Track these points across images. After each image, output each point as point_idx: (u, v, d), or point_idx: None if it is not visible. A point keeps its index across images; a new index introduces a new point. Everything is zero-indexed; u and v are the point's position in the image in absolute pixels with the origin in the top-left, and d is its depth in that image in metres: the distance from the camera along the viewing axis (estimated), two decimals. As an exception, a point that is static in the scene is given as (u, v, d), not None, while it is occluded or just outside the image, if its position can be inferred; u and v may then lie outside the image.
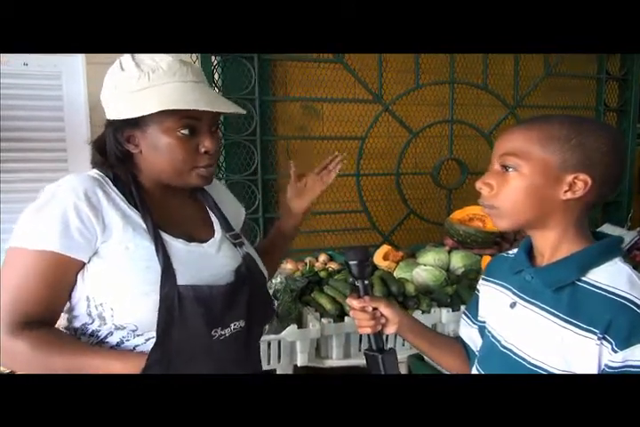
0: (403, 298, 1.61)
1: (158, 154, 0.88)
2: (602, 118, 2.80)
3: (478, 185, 0.81)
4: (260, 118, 2.18)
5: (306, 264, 2.08)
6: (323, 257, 2.23)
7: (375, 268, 1.97)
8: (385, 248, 2.06)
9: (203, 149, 0.88)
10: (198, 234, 0.96)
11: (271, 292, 1.54)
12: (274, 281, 1.63)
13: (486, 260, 1.96)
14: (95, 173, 0.90)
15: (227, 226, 1.02)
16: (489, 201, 0.80)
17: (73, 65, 2.43)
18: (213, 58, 2.11)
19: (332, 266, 2.06)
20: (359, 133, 2.38)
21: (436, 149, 2.55)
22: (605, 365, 0.69)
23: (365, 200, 2.42)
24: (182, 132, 0.86)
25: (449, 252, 2.10)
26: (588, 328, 0.70)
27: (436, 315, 1.61)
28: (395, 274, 1.87)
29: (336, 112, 2.38)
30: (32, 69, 2.41)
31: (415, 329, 0.97)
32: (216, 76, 2.12)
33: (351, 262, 0.91)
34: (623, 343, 0.67)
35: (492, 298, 0.89)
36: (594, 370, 0.70)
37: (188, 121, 0.87)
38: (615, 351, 0.67)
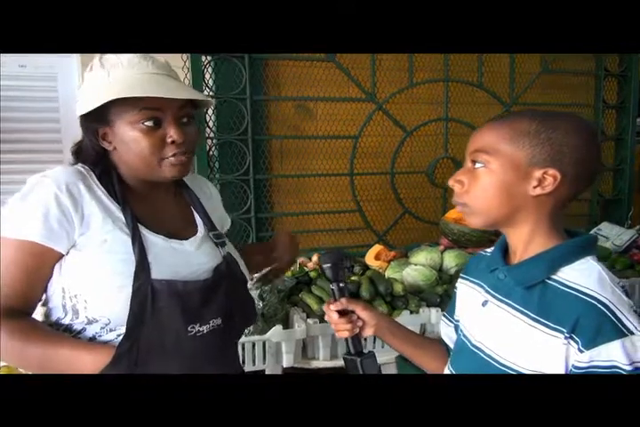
0: (391, 298, 1.59)
1: (127, 148, 0.88)
2: (601, 116, 2.76)
3: (450, 182, 0.80)
4: (252, 118, 2.17)
5: (297, 264, 2.07)
6: (316, 257, 2.21)
7: (366, 268, 1.95)
8: (377, 248, 2.04)
9: (169, 140, 0.88)
10: (179, 231, 0.96)
11: (257, 292, 1.53)
12: (261, 281, 1.62)
13: (479, 259, 1.93)
14: (81, 166, 0.91)
15: (210, 225, 1.02)
16: (461, 198, 0.79)
17: (68, 67, 2.44)
18: (204, 57, 2.10)
19: (324, 266, 2.04)
20: (353, 132, 2.37)
21: (431, 148, 2.53)
22: (572, 365, 0.67)
23: (359, 200, 2.41)
24: (146, 124, 0.86)
25: (442, 251, 2.08)
26: (556, 327, 0.69)
27: (425, 315, 1.59)
28: (386, 274, 1.85)
29: (329, 111, 2.37)
30: (28, 71, 2.43)
31: (394, 331, 0.95)
32: (207, 76, 2.12)
33: (325, 266, 0.90)
34: (589, 343, 0.65)
35: (466, 296, 0.88)
36: (562, 370, 0.68)
37: (148, 112, 0.86)
38: (581, 351, 0.66)
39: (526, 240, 0.77)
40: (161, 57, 0.94)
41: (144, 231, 0.90)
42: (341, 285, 0.91)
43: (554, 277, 0.73)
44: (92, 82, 0.89)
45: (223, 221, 1.16)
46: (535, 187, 0.73)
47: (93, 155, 0.92)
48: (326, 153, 2.37)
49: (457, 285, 0.94)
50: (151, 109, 0.86)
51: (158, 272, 0.87)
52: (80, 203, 0.85)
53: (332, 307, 0.90)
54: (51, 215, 0.82)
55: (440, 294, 1.66)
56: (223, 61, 2.14)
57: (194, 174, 1.13)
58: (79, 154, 0.94)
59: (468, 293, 0.88)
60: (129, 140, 0.87)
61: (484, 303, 0.81)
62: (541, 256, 0.75)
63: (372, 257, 2.01)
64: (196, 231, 1.00)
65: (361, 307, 0.91)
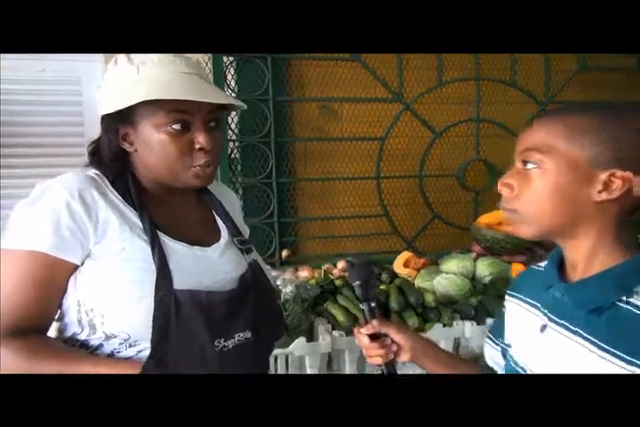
0: (422, 309, 1.49)
1: (151, 152, 0.83)
2: (642, 115, 2.60)
3: (499, 186, 0.70)
4: (275, 119, 2.12)
5: (322, 272, 1.98)
6: (341, 264, 2.13)
7: (395, 276, 1.85)
8: (405, 255, 1.95)
9: (197, 146, 0.83)
10: (202, 238, 0.92)
11: (280, 302, 1.45)
12: (284, 290, 1.54)
13: (516, 268, 1.82)
14: (93, 172, 0.86)
15: (234, 231, 0.97)
16: (510, 204, 0.69)
17: (92, 70, 2.43)
18: (226, 58, 2.05)
19: (350, 274, 1.95)
20: (379, 134, 2.29)
21: (462, 150, 2.43)
22: None
23: (387, 204, 2.32)
24: (173, 127, 0.81)
25: (475, 259, 1.97)
26: (632, 361, 0.58)
27: (459, 328, 1.48)
28: (415, 283, 1.75)
29: (354, 112, 2.30)
30: (48, 75, 2.42)
31: (429, 353, 0.86)
32: (229, 77, 2.07)
33: (354, 284, 0.81)
34: None
35: (519, 318, 0.77)
36: None
37: (178, 115, 0.81)
38: None
39: (588, 254, 0.66)
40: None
41: (164, 238, 0.85)
42: (372, 305, 0.82)
43: (627, 298, 0.62)
44: (119, 78, 0.83)
45: (244, 229, 1.10)
46: (601, 191, 0.63)
47: (111, 155, 0.87)
48: (352, 155, 2.30)
49: (505, 303, 0.83)
50: (180, 112, 0.81)
51: (181, 282, 0.81)
52: (94, 210, 0.80)
53: (363, 330, 0.82)
54: (62, 224, 0.77)
55: (474, 305, 1.56)
56: (245, 62, 2.09)
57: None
58: (96, 153, 0.89)
59: (520, 314, 0.77)
60: (154, 143, 0.82)
61: (543, 328, 0.70)
62: (609, 274, 0.64)
63: (401, 265, 1.91)
64: (220, 237, 0.95)
65: (395, 329, 0.82)
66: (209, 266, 0.87)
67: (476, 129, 2.40)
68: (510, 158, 2.31)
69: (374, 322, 0.82)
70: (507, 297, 0.83)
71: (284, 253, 2.20)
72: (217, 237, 0.94)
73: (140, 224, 0.84)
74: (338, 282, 1.78)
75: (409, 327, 1.37)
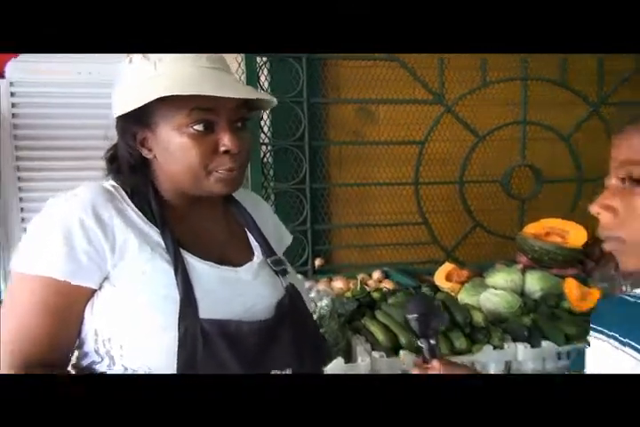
0: (470, 329, 1.36)
1: (171, 157, 0.75)
2: None
3: (595, 209, 0.59)
4: (310, 122, 2.04)
5: (358, 283, 1.87)
6: (377, 274, 2.02)
7: (437, 289, 1.73)
8: (448, 267, 1.82)
9: (222, 148, 0.74)
10: (232, 256, 0.82)
11: (315, 317, 1.35)
12: (319, 304, 1.43)
13: (570, 283, 1.67)
14: (110, 184, 0.79)
15: (268, 249, 0.86)
16: (613, 231, 0.58)
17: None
18: (259, 59, 1.98)
19: (387, 285, 1.84)
20: (418, 138, 2.19)
21: (506, 154, 2.30)
22: None
23: (425, 211, 2.22)
24: (195, 127, 0.73)
25: (522, 272, 1.82)
26: None
27: (511, 351, 1.35)
28: (459, 298, 1.62)
29: (392, 115, 2.22)
30: (84, 78, 2.40)
31: None
32: (262, 78, 1.99)
33: (410, 316, 0.71)
34: None
35: (606, 359, 0.65)
36: None
37: (200, 114, 0.73)
38: None
39: None
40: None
41: (188, 257, 0.75)
42: (432, 342, 0.71)
43: None
44: (134, 76, 0.75)
45: (282, 237, 0.99)
46: None
47: (129, 163, 0.78)
48: (389, 160, 2.22)
49: (589, 338, 0.71)
50: (203, 111, 0.73)
51: (207, 309, 0.71)
52: (111, 228, 0.72)
53: (421, 370, 0.70)
54: (77, 245, 0.69)
55: (528, 325, 1.42)
56: (279, 62, 2.01)
57: (243, 190, 0.97)
58: (113, 161, 0.80)
59: (607, 353, 0.65)
60: (174, 147, 0.74)
61: None
62: None
63: (443, 277, 1.78)
64: (252, 256, 0.84)
65: (463, 371, 0.71)
66: (240, 290, 0.77)
67: (522, 132, 2.27)
68: (559, 164, 2.16)
69: (435, 363, 0.71)
70: (591, 332, 0.70)
71: (318, 261, 2.11)
72: (249, 256, 0.84)
73: (162, 243, 0.75)
74: (375, 295, 1.67)
75: (476, 370, 1.24)
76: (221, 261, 0.79)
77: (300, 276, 0.97)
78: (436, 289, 1.74)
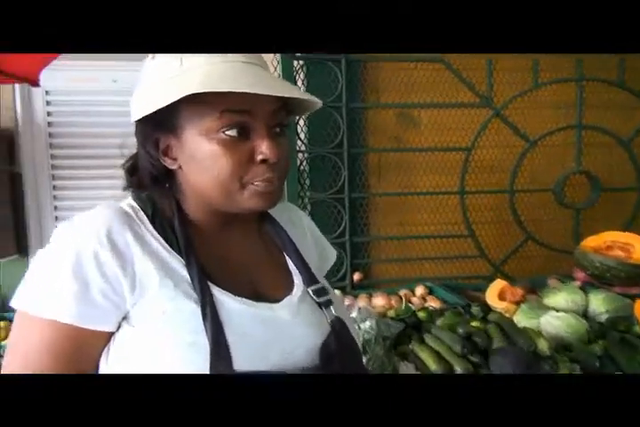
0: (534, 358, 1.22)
1: (199, 167, 0.64)
2: None
3: None
4: (349, 128, 1.96)
5: (400, 300, 1.75)
6: (420, 290, 1.89)
7: (488, 309, 1.59)
8: (500, 284, 1.68)
9: (259, 157, 0.63)
10: (268, 289, 0.70)
11: (360, 342, 1.23)
12: (362, 326, 1.32)
13: (640, 305, 1.51)
14: (128, 204, 0.68)
15: (309, 277, 0.74)
16: None
17: None
18: (296, 62, 1.89)
19: (433, 303, 1.71)
20: (464, 144, 2.07)
21: (560, 161, 2.17)
22: None
23: (472, 222, 2.09)
24: (228, 133, 0.62)
25: (584, 290, 1.67)
26: None
27: (581, 383, 1.20)
28: (515, 320, 1.48)
29: (436, 119, 2.11)
30: (119, 86, 2.38)
31: None
32: (299, 82, 1.91)
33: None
34: None
35: None
36: None
37: (233, 116, 0.62)
38: None
39: None
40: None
41: (218, 293, 0.64)
42: None
43: None
44: (157, 74, 0.64)
45: (325, 255, 0.86)
46: None
47: (151, 175, 0.67)
48: (432, 167, 2.12)
49: None
50: (237, 112, 0.62)
51: (242, 359, 0.59)
52: (130, 259, 0.61)
53: None
54: (90, 282, 0.59)
55: (598, 354, 1.27)
56: (316, 65, 1.92)
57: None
58: (133, 173, 0.70)
59: None
60: (202, 155, 0.63)
61: None
62: None
63: (495, 296, 1.64)
64: (292, 287, 0.72)
65: None
66: (277, 332, 0.65)
67: (577, 137, 2.12)
68: (618, 171, 1.98)
69: None
70: None
71: (356, 276, 2.00)
72: (288, 288, 0.72)
73: (188, 276, 0.63)
74: (421, 314, 1.54)
75: None
76: (256, 295, 0.67)
77: (342, 298, 0.84)
78: (487, 309, 1.60)
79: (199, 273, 0.63)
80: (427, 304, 1.74)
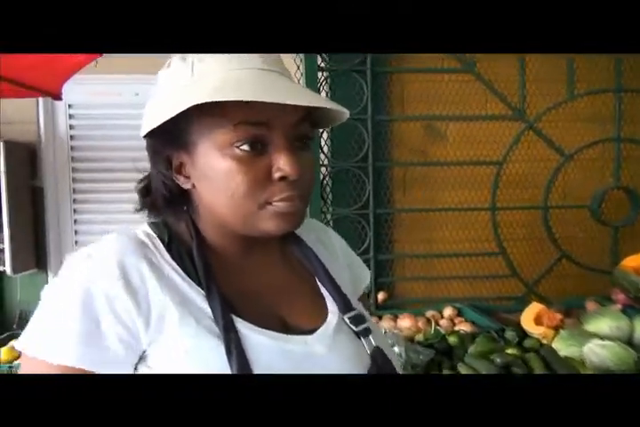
0: (577, 392, 1.12)
1: (212, 185, 0.59)
2: None
3: None
4: (374, 141, 1.90)
5: (429, 322, 1.66)
6: (449, 311, 1.80)
7: (524, 334, 1.49)
8: (536, 307, 1.57)
9: (278, 174, 0.57)
10: (299, 319, 0.64)
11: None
12: (389, 353, 1.23)
13: (693, 333, 1.38)
14: (143, 230, 0.63)
15: (344, 304, 0.67)
16: None
17: None
18: (320, 73, 1.84)
19: (463, 327, 1.61)
20: (495, 157, 1.99)
21: (597, 176, 2.07)
22: None
23: (503, 239, 2.00)
24: (243, 147, 0.56)
25: (623, 312, 1.55)
26: None
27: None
28: (554, 347, 1.37)
29: (465, 132, 2.03)
30: (141, 99, 2.38)
31: None
32: (323, 94, 1.85)
33: None
34: None
35: None
36: None
37: (248, 129, 0.56)
38: None
39: None
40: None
41: (242, 327, 0.57)
42: None
43: None
44: (169, 83, 0.60)
45: (358, 276, 0.79)
46: None
47: (164, 196, 0.62)
48: (461, 182, 2.03)
49: None
50: (252, 125, 0.56)
51: None
52: (144, 295, 0.56)
53: None
54: (101, 323, 0.54)
55: (650, 388, 1.16)
56: (341, 76, 1.87)
57: (307, 220, 0.76)
58: (147, 194, 0.64)
59: None
60: (215, 173, 0.57)
61: None
62: None
63: (532, 320, 1.54)
64: (326, 315, 0.64)
65: None
66: (311, 369, 0.59)
67: (616, 151, 2.02)
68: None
69: None
70: None
71: (381, 295, 1.92)
72: (321, 316, 0.65)
73: (209, 310, 0.58)
74: (452, 339, 1.45)
75: None
76: (286, 327, 0.61)
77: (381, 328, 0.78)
78: (522, 334, 1.50)
79: (222, 306, 0.57)
80: (456, 327, 1.64)
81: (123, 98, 2.35)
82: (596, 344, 1.31)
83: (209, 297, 0.58)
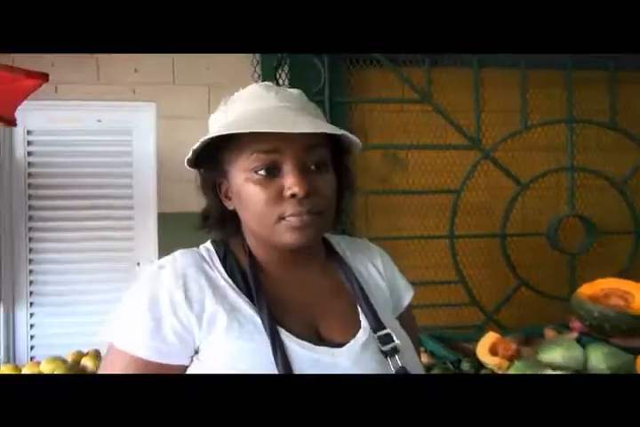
0: None
1: (243, 205, 0.72)
2: None
3: None
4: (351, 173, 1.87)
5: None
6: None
7: (480, 366, 1.48)
8: (492, 337, 1.56)
9: (288, 193, 0.67)
10: (332, 332, 0.72)
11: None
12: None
13: (644, 362, 1.40)
14: (205, 247, 0.77)
15: (375, 324, 0.73)
16: None
17: (143, 120, 2.34)
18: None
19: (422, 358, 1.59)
20: (453, 186, 2.02)
21: (552, 204, 2.17)
22: None
23: (462, 268, 2.00)
24: (260, 172, 0.68)
25: (578, 340, 1.56)
26: None
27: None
28: (508, 378, 1.37)
29: (424, 161, 2.10)
30: (104, 126, 2.36)
31: None
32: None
33: None
34: None
35: None
36: None
37: (262, 157, 0.68)
38: None
39: None
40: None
41: (282, 335, 0.67)
42: None
43: None
44: (211, 125, 0.76)
45: (400, 296, 0.84)
46: None
47: (216, 218, 0.76)
48: (420, 210, 2.09)
49: None
50: (265, 153, 0.68)
51: None
52: (200, 302, 0.69)
53: None
54: (163, 322, 0.67)
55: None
56: (301, 106, 1.88)
57: (355, 239, 0.89)
58: (207, 218, 0.78)
59: None
60: (244, 195, 0.70)
61: None
62: None
63: (487, 351, 1.53)
64: (356, 332, 0.72)
65: None
66: None
67: (569, 180, 2.06)
68: (614, 214, 1.89)
69: None
70: None
71: (341, 325, 1.89)
72: (353, 332, 0.72)
73: (253, 317, 0.68)
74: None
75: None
76: (318, 338, 0.69)
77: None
78: (478, 365, 1.49)
79: (268, 315, 0.67)
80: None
81: (84, 124, 2.33)
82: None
83: (259, 307, 0.68)
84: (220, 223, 0.76)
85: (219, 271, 0.72)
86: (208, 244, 0.77)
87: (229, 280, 0.72)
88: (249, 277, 0.72)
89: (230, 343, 0.67)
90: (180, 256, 0.73)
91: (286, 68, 1.93)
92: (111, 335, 0.69)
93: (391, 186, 2.07)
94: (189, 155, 0.71)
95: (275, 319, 0.68)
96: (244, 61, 2.01)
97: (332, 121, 1.87)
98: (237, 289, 0.71)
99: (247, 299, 0.70)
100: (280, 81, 1.91)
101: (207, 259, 0.74)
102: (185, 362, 0.68)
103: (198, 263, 0.72)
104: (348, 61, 1.98)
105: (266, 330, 0.67)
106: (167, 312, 0.67)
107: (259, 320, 0.68)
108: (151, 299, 0.68)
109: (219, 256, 0.74)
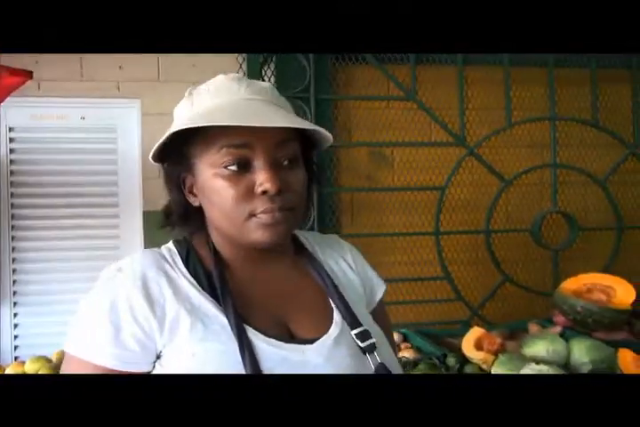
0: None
1: (209, 201, 0.68)
2: None
3: None
4: (319, 167, 1.86)
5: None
6: (395, 337, 1.78)
7: (465, 360, 1.49)
8: (476, 332, 1.58)
9: (259, 189, 0.64)
10: (301, 329, 0.69)
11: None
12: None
13: (625, 354, 1.42)
14: (167, 247, 0.73)
15: (351, 320, 0.70)
16: None
17: (128, 117, 2.31)
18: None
19: (407, 354, 1.61)
20: (438, 183, 2.03)
21: (536, 200, 2.14)
22: None
23: (447, 264, 2.02)
24: (230, 167, 0.65)
25: (566, 338, 1.58)
26: None
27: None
28: (493, 372, 1.38)
29: (409, 158, 2.07)
30: (88, 123, 2.33)
31: None
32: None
33: None
34: None
35: None
36: None
37: (232, 151, 0.64)
38: None
39: None
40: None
41: (250, 334, 0.64)
42: None
43: None
44: (176, 116, 0.72)
45: (372, 290, 0.84)
46: None
47: (180, 214, 0.72)
48: (406, 207, 2.06)
49: None
50: (236, 147, 0.64)
51: None
52: (161, 304, 0.65)
53: None
54: (123, 327, 0.63)
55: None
56: (287, 99, 1.87)
57: (324, 235, 0.87)
58: (169, 215, 0.74)
59: None
60: (210, 190, 0.67)
61: None
62: None
63: (472, 345, 1.54)
64: (327, 327, 0.69)
65: None
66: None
67: (552, 176, 2.08)
68: (595, 210, 1.93)
69: None
70: None
71: (327, 322, 1.89)
72: (325, 327, 0.69)
73: (219, 317, 0.65)
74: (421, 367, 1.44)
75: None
76: (289, 336, 0.66)
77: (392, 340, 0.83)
78: (463, 359, 1.50)
79: (234, 314, 0.64)
80: (400, 354, 1.63)
81: (67, 121, 2.30)
82: (532, 368, 1.32)
83: (223, 306, 0.65)
84: (183, 220, 0.72)
85: (181, 271, 0.69)
86: (170, 243, 0.73)
87: (192, 280, 0.68)
88: (213, 275, 0.69)
89: (195, 345, 0.63)
90: (138, 257, 0.70)
91: (272, 66, 1.92)
92: (68, 344, 0.65)
93: (377, 183, 2.06)
94: (154, 148, 0.67)
95: (241, 318, 0.65)
96: (230, 59, 1.99)
97: (318, 118, 1.88)
98: (201, 289, 0.67)
99: (212, 298, 0.67)
100: (266, 78, 1.90)
101: (168, 259, 0.70)
102: (147, 369, 0.65)
103: (159, 264, 0.69)
104: (334, 59, 1.98)
105: (232, 329, 0.64)
106: (127, 318, 0.63)
107: (225, 320, 0.65)
108: (109, 305, 0.64)
109: (181, 256, 0.70)
